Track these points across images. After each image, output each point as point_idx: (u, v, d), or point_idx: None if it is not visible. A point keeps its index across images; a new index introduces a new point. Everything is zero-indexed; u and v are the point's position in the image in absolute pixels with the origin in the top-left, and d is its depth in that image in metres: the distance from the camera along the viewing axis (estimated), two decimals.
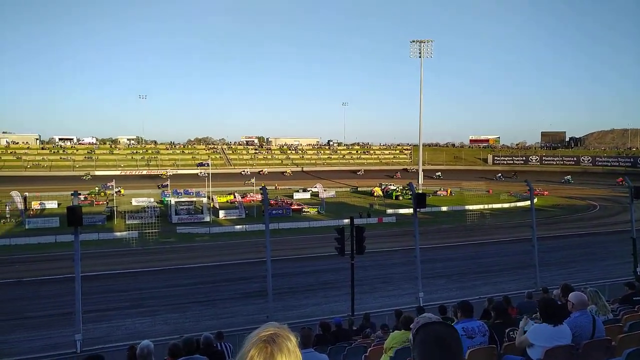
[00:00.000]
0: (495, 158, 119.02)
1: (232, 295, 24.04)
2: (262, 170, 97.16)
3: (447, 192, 75.09)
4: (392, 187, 74.03)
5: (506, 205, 62.43)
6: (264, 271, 17.89)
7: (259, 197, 62.13)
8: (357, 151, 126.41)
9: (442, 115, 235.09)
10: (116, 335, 18.24)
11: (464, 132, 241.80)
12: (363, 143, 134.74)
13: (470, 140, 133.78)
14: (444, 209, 59.08)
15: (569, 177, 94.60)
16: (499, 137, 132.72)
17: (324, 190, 65.71)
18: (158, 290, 25.15)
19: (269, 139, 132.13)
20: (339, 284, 24.34)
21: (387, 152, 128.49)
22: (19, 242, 39.21)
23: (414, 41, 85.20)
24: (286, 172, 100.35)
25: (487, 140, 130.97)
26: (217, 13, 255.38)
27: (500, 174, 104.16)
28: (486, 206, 60.22)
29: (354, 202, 65.82)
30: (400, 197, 67.86)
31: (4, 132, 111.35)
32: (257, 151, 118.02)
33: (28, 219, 48.31)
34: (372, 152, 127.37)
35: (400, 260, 29.56)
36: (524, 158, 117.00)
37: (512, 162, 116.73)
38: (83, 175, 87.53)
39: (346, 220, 38.82)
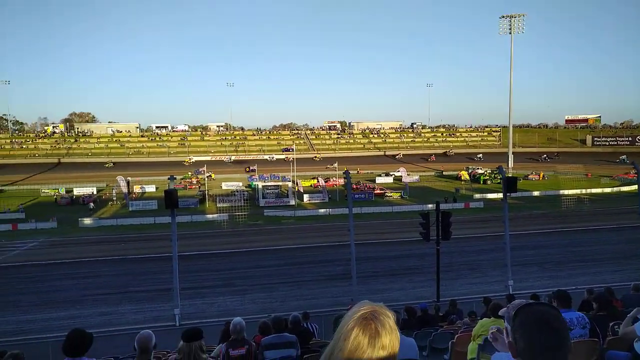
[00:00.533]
0: (596, 139, 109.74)
1: (317, 277, 24.56)
2: (315, 157, 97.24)
3: (539, 176, 70.75)
4: (480, 171, 71.15)
5: (607, 190, 57.67)
6: (348, 254, 18.07)
7: (341, 181, 62.70)
8: (442, 134, 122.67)
9: (534, 95, 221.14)
10: (210, 312, 19.37)
11: (559, 112, 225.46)
12: (448, 125, 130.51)
13: (566, 121, 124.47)
14: (536, 193, 55.79)
15: (624, 157, 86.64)
16: (599, 117, 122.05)
17: (407, 174, 64.65)
18: (247, 270, 26.29)
19: (351, 123, 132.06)
20: (423, 270, 24.02)
21: (474, 134, 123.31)
22: (124, 222, 42.85)
23: (503, 16, 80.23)
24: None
25: (586, 120, 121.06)
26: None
27: (545, 155, 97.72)
28: (584, 191, 55.96)
29: (438, 186, 64.19)
30: (489, 182, 65.10)
31: (109, 122, 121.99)
32: (339, 136, 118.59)
33: (131, 201, 52.46)
34: (458, 134, 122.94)
35: (488, 246, 28.55)
36: (629, 139, 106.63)
37: (615, 143, 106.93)
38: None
39: (431, 205, 38.23)
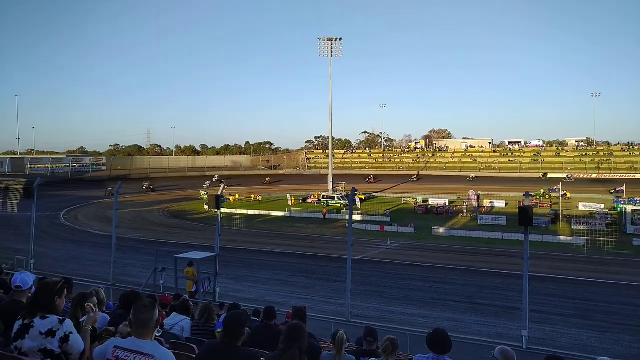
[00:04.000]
0: None
1: None
2: None
3: None
4: None
5: None
6: None
7: None
8: None
9: None
10: (560, 342, 17.78)
11: None
12: None
13: None
14: None
15: None
16: None
17: None
18: (608, 305, 22.88)
19: None
20: None
21: None
22: (472, 235, 44.09)
23: None
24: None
25: None
26: None
27: None
28: None
29: None
30: None
31: (464, 138, 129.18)
32: None
33: (480, 215, 53.54)
34: None
35: None
36: None
37: None
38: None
39: None
